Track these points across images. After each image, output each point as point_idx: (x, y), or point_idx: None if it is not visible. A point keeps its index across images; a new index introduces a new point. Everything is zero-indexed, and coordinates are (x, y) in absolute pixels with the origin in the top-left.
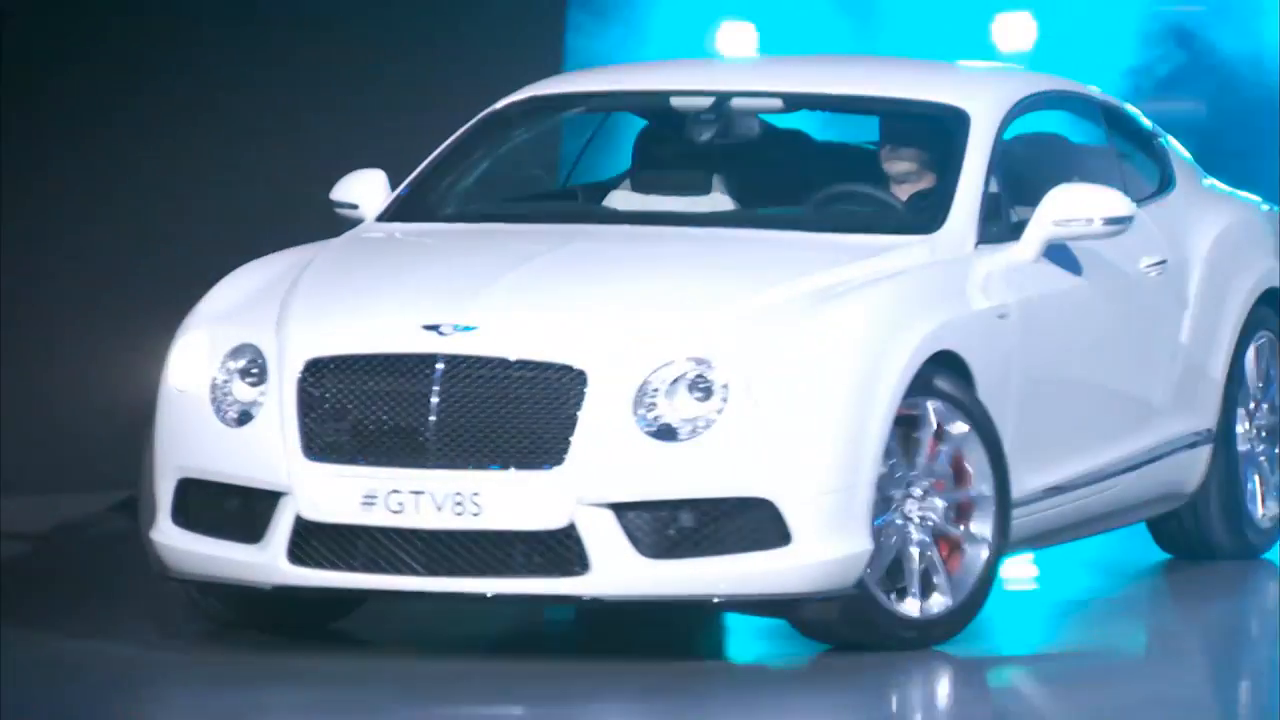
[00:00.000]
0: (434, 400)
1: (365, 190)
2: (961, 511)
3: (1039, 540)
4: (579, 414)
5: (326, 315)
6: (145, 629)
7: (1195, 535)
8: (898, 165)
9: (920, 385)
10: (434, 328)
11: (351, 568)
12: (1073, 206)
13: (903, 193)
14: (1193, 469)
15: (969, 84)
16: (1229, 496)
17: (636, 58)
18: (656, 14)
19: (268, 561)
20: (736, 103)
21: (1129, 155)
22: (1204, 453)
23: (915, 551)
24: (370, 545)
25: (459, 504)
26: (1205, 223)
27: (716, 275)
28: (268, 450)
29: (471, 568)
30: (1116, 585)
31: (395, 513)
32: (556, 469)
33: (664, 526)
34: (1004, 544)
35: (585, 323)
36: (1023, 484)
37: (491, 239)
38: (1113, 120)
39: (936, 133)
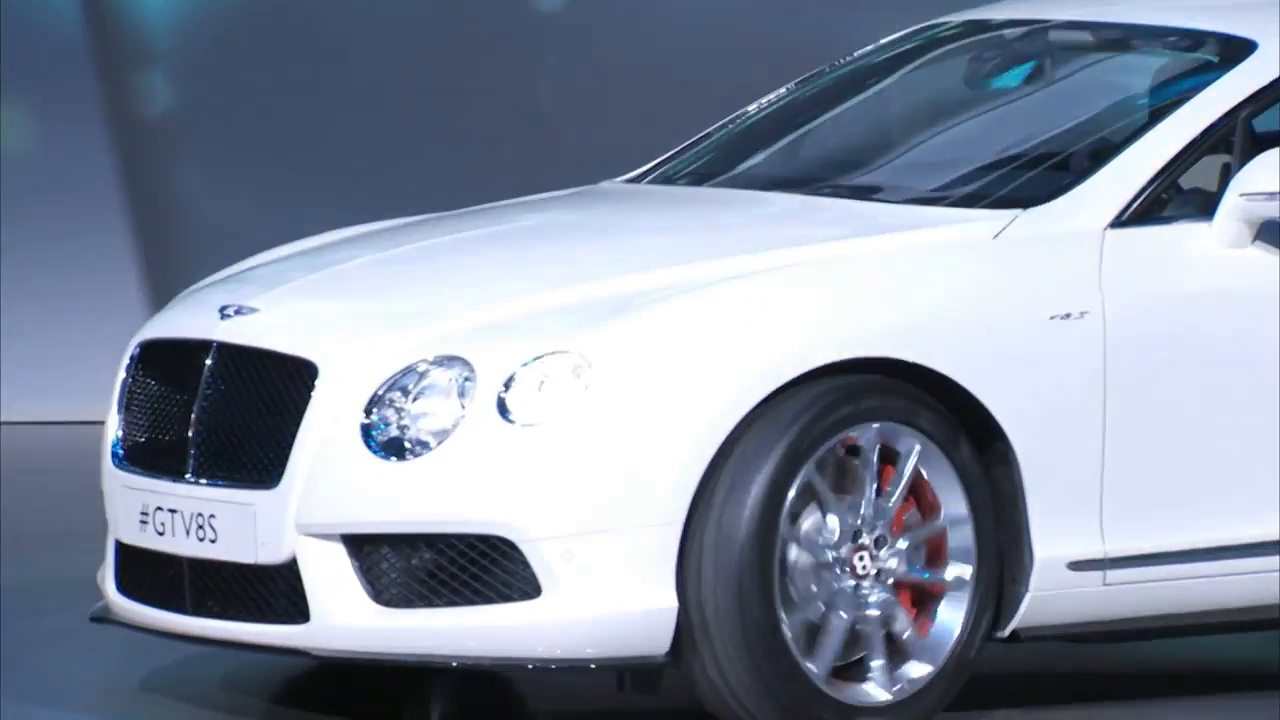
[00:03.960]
0: (200, 399)
1: None
2: (935, 551)
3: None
4: (303, 421)
5: (192, 292)
6: None
7: None
8: None
9: (863, 406)
10: (224, 309)
11: (150, 602)
12: (1266, 177)
13: None
14: None
15: None
16: None
17: None
18: None
19: (109, 591)
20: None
21: None
22: None
23: (874, 619)
24: (149, 573)
25: (200, 528)
26: None
27: (600, 252)
28: (105, 453)
29: (219, 607)
30: None
31: (160, 534)
32: (276, 489)
33: (399, 566)
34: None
35: (339, 305)
36: (1125, 541)
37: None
38: None
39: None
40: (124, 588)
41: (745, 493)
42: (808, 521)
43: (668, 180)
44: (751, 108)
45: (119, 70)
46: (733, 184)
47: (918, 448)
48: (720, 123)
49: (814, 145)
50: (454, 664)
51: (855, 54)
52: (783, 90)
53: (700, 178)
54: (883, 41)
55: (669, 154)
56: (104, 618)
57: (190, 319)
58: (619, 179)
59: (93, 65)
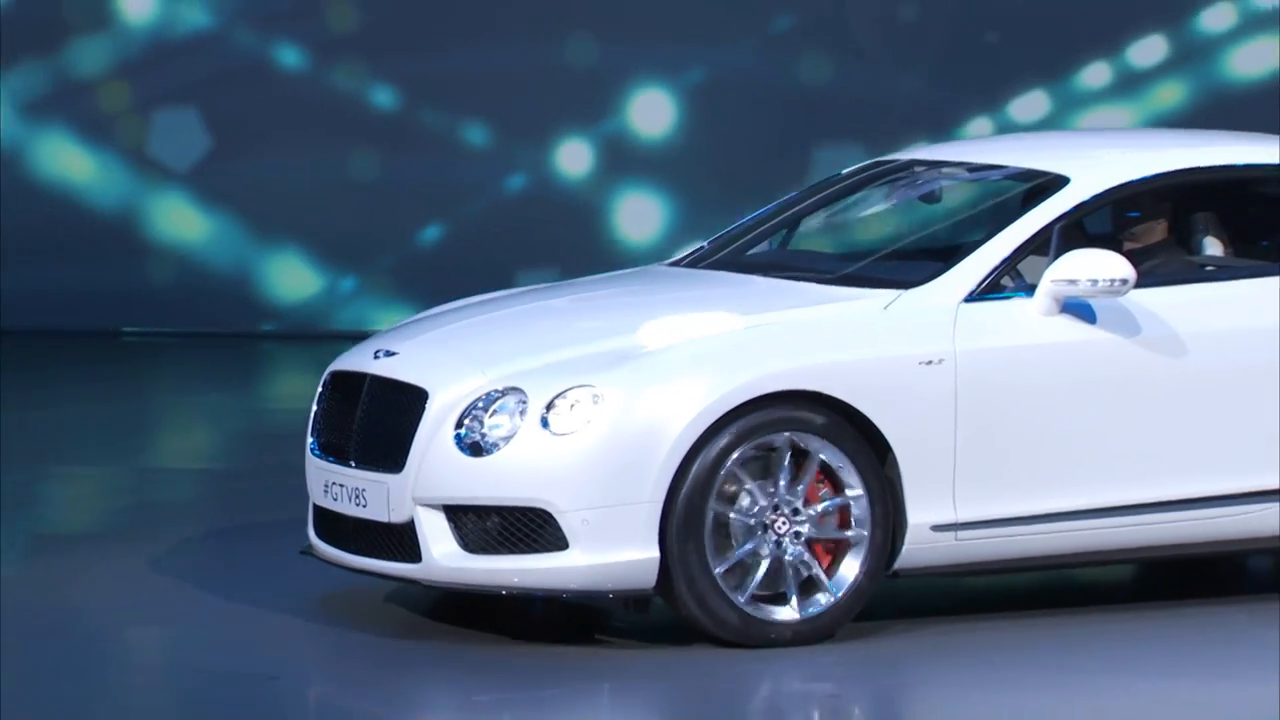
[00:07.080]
0: (359, 411)
1: None
2: (844, 518)
3: (1010, 562)
4: (418, 428)
5: (374, 336)
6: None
7: None
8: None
9: (780, 421)
10: (376, 352)
11: (332, 544)
12: (1075, 268)
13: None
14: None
15: (1093, 154)
16: None
17: None
18: None
19: (311, 535)
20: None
21: None
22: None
23: (790, 562)
24: (330, 525)
25: (357, 497)
26: None
27: (622, 317)
28: (307, 444)
29: (368, 549)
30: None
31: (335, 500)
32: (401, 474)
33: (478, 526)
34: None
35: (448, 352)
36: (969, 510)
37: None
38: None
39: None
40: (318, 534)
41: (685, 478)
42: (745, 500)
43: (693, 264)
44: (750, 217)
45: None
46: (733, 269)
47: (821, 448)
48: (737, 223)
49: (786, 241)
50: (521, 594)
51: (821, 181)
52: (773, 204)
53: (716, 264)
54: (843, 171)
55: (700, 245)
56: (308, 552)
57: (357, 358)
58: (665, 262)
59: None
